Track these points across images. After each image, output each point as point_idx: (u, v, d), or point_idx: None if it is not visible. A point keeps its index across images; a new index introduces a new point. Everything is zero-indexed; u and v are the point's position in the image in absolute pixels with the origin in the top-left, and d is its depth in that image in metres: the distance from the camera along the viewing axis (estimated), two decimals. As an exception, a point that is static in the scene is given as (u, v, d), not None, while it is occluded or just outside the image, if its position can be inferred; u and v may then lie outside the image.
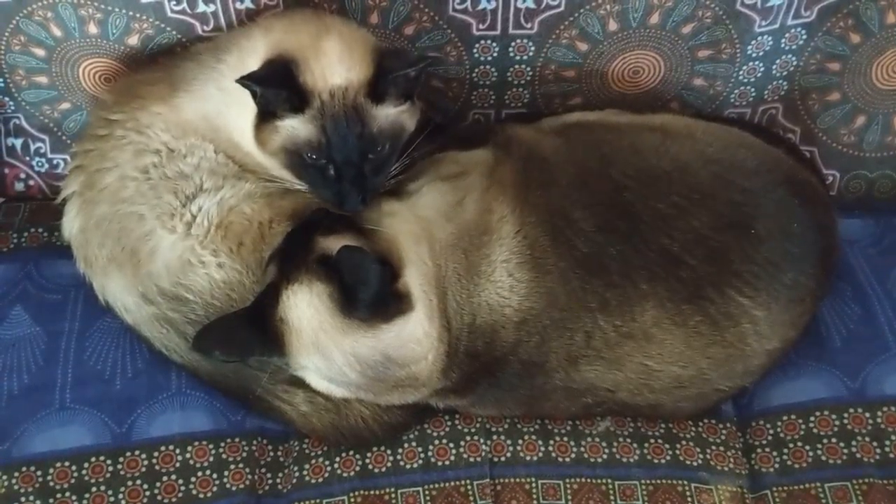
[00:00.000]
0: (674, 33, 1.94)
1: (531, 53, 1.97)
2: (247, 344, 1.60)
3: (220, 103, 1.76)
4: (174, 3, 1.83)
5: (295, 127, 1.67)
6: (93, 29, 1.86)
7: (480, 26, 1.92)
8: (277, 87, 1.64)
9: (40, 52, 1.91)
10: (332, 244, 1.58)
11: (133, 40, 1.88)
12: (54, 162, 2.11)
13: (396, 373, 1.62)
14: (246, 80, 1.61)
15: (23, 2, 1.82)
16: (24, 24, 1.86)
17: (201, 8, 1.85)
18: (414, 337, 1.61)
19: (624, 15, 1.90)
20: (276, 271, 1.61)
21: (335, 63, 1.66)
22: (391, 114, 1.71)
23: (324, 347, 1.58)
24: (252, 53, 1.71)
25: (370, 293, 1.54)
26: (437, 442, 1.75)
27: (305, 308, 1.56)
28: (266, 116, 1.69)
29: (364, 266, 1.52)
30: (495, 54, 1.97)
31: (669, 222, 1.67)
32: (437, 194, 1.78)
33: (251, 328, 1.59)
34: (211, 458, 1.72)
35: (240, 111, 1.72)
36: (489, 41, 1.95)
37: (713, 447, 1.76)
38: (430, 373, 1.65)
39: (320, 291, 1.56)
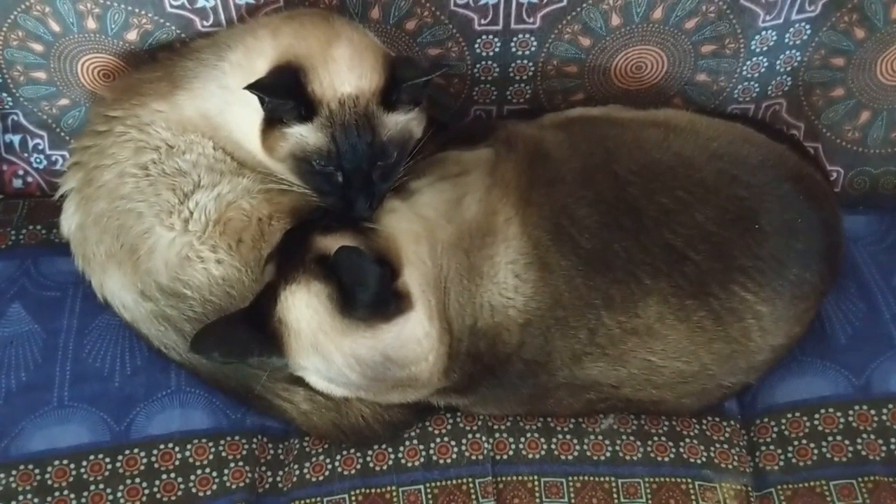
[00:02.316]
0: (677, 28, 1.93)
1: (533, 49, 1.96)
2: (245, 345, 1.59)
3: (222, 101, 1.75)
4: (173, -3, 1.82)
5: (303, 134, 1.66)
6: (91, 24, 1.85)
7: (482, 21, 1.91)
8: (285, 97, 1.63)
9: (38, 47, 1.90)
10: (330, 243, 1.56)
11: (132, 35, 1.87)
12: (53, 158, 2.10)
13: (397, 373, 1.60)
14: (253, 89, 1.59)
15: (21, -3, 1.82)
16: (23, 20, 1.85)
17: (201, 3, 1.83)
18: (414, 337, 1.59)
19: (627, 10, 1.89)
20: (273, 271, 1.59)
21: (345, 71, 1.65)
22: (401, 121, 1.70)
23: (323, 348, 1.56)
24: (259, 55, 1.70)
25: (369, 294, 1.52)
26: (438, 440, 1.74)
27: (304, 308, 1.55)
28: (273, 122, 1.67)
29: (362, 266, 1.51)
30: (497, 50, 1.96)
31: (673, 217, 1.66)
32: (437, 193, 1.77)
33: (249, 329, 1.58)
34: (211, 457, 1.71)
35: (242, 110, 1.70)
36: (491, 36, 1.94)
37: (717, 445, 1.75)
38: (431, 373, 1.64)
39: (319, 292, 1.54)
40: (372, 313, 1.55)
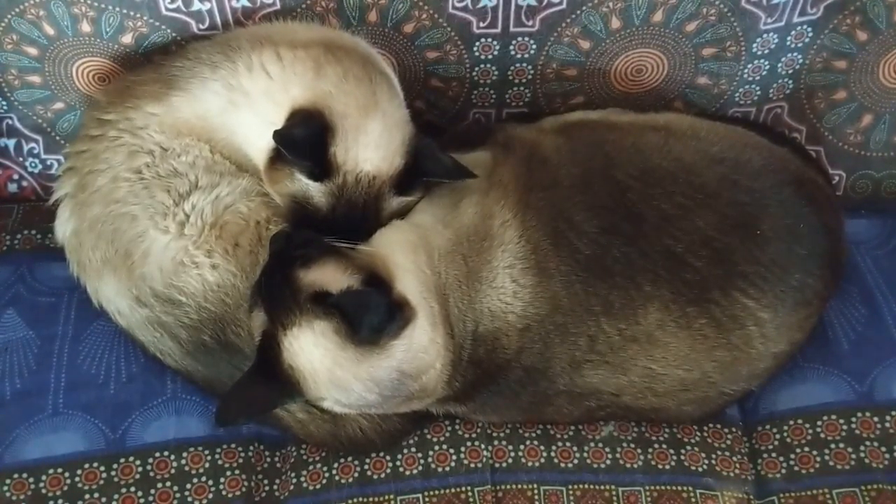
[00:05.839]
0: (677, 31, 1.91)
1: (532, 52, 1.94)
2: (266, 401, 1.59)
3: (226, 101, 1.71)
4: (169, 0, 1.80)
5: (310, 187, 1.65)
6: (86, 27, 1.83)
7: (481, 24, 1.89)
8: (306, 159, 1.61)
9: (33, 51, 1.88)
10: (318, 277, 1.54)
11: (127, 39, 1.86)
12: (48, 163, 2.08)
13: (410, 386, 1.58)
14: (281, 143, 1.57)
15: (15, 0, 1.79)
16: (17, 23, 1.83)
17: (196, 6, 1.82)
18: (421, 345, 1.57)
19: (627, 12, 1.88)
20: (264, 318, 1.57)
21: (372, 148, 1.64)
22: (405, 201, 1.70)
23: (341, 381, 1.54)
24: (297, 78, 1.66)
25: (378, 318, 1.51)
26: (437, 448, 1.72)
27: (314, 349, 1.52)
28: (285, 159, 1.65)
29: (367, 299, 1.51)
30: (496, 53, 1.95)
31: (674, 223, 1.64)
32: (434, 198, 1.75)
33: (263, 384, 1.56)
34: (207, 465, 1.70)
35: (254, 118, 1.68)
36: (490, 39, 1.92)
37: (718, 452, 1.73)
38: (437, 383, 1.62)
39: (324, 329, 1.51)
40: (381, 334, 1.53)
